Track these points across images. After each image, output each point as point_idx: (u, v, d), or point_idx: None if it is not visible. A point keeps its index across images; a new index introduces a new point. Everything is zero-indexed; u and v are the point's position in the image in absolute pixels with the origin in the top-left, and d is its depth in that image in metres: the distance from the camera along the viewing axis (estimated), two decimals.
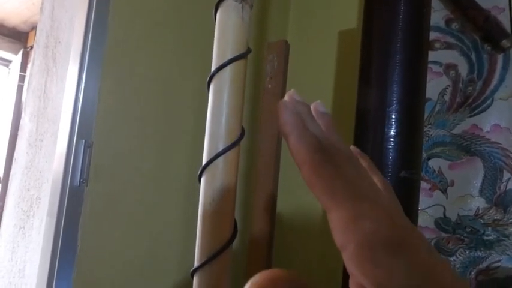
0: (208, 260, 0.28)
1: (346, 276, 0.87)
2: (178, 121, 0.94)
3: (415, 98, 0.82)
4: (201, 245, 0.29)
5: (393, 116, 0.79)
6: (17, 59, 2.65)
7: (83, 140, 0.73)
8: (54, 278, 0.73)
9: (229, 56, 0.30)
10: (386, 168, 0.76)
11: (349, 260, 0.15)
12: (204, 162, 0.30)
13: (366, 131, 0.82)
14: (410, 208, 0.78)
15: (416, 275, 0.14)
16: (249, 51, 0.32)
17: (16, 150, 1.02)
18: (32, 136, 0.94)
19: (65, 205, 0.73)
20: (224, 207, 0.29)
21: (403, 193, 0.76)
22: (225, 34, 0.31)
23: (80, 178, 0.73)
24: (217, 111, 0.30)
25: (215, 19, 0.32)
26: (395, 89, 0.80)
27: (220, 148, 0.29)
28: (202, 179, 0.30)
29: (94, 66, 0.75)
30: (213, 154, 0.29)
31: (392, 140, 0.78)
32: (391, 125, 0.79)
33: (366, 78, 0.85)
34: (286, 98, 0.24)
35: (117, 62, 0.79)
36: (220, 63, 0.30)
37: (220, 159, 0.29)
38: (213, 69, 0.31)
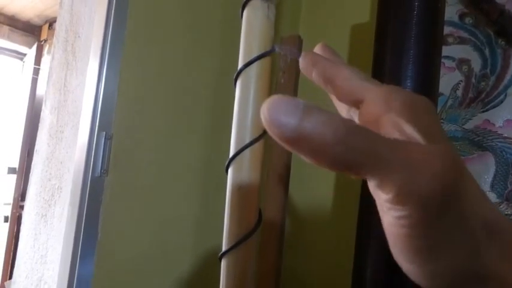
0: (235, 245, 0.30)
1: (356, 267, 0.89)
2: (196, 114, 0.96)
3: (429, 94, 0.82)
4: (228, 231, 0.31)
5: None
6: (31, 52, 2.70)
7: (104, 132, 0.76)
8: (77, 263, 0.77)
9: (255, 54, 0.32)
10: None
11: (396, 113, 0.17)
12: (231, 154, 0.32)
13: None
14: None
15: (444, 133, 0.17)
16: (274, 48, 0.33)
17: (37, 142, 1.05)
18: (52, 128, 0.97)
19: (87, 194, 0.76)
20: (250, 196, 0.31)
21: None
22: (252, 32, 0.33)
23: (101, 169, 0.76)
24: (244, 106, 0.32)
25: (241, 17, 0.33)
26: (409, 84, 0.81)
27: (247, 141, 0.31)
28: (230, 170, 0.32)
29: (114, 60, 0.77)
30: (240, 146, 0.31)
31: None
32: None
33: (379, 73, 0.86)
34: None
35: (136, 56, 0.81)
36: (247, 60, 0.32)
37: (247, 151, 0.31)
38: (240, 65, 0.32)
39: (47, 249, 0.91)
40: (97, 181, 0.76)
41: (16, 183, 2.56)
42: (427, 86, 0.83)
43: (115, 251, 0.78)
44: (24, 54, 2.84)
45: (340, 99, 0.22)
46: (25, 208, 1.03)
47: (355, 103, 0.20)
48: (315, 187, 1.35)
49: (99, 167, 0.76)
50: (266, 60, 0.32)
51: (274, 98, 0.15)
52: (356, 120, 0.21)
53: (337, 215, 1.31)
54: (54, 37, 1.00)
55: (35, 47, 2.61)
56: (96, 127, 0.77)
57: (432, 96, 0.82)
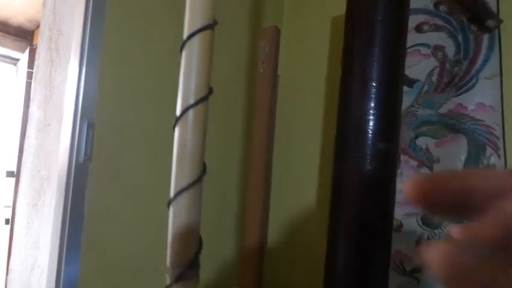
0: (181, 191, 0.34)
1: (328, 268, 0.90)
2: (174, 101, 1.00)
3: (394, 75, 0.87)
4: (175, 181, 0.35)
5: (373, 91, 0.85)
6: (24, 57, 2.74)
7: (86, 122, 0.80)
8: (65, 246, 0.81)
9: (197, 27, 0.36)
10: (366, 139, 0.82)
11: None
12: (177, 114, 0.36)
13: (349, 104, 0.87)
14: (388, 178, 0.83)
15: None
16: (215, 23, 0.38)
17: (26, 136, 1.09)
18: (40, 122, 1.02)
19: (72, 180, 0.81)
20: (195, 151, 0.36)
21: (380, 164, 0.81)
22: (194, 8, 0.37)
23: (84, 156, 0.81)
24: (188, 72, 0.36)
25: None
26: (376, 65, 0.86)
27: (191, 102, 0.36)
28: (176, 128, 0.36)
29: (93, 54, 0.82)
30: (185, 107, 0.36)
31: (371, 112, 0.83)
32: (371, 98, 0.84)
33: (350, 55, 0.91)
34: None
35: (115, 49, 0.86)
36: (190, 32, 0.36)
37: (191, 111, 0.36)
38: (184, 37, 0.37)
39: (39, 235, 0.96)
40: (81, 167, 0.81)
41: (15, 186, 2.61)
42: (393, 67, 0.87)
43: (100, 232, 0.82)
44: (18, 59, 2.88)
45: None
46: (18, 199, 1.08)
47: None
48: (297, 195, 1.39)
49: (83, 153, 0.80)
50: (207, 33, 0.37)
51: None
52: None
53: (320, 220, 1.35)
54: (39, 36, 1.05)
55: (27, 51, 2.65)
56: (79, 117, 0.81)
57: (397, 78, 0.87)
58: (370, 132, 0.83)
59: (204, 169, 0.36)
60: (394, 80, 0.86)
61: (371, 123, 0.83)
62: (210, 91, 0.37)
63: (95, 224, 0.81)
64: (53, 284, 0.83)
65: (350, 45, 0.90)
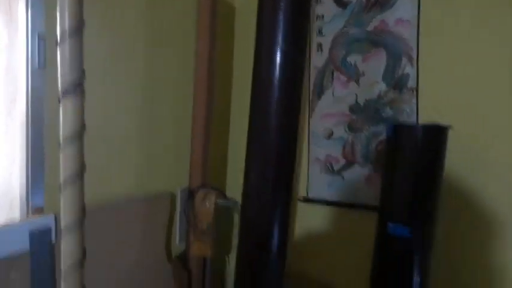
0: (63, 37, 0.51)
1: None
2: (121, 12, 1.14)
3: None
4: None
5: (282, 4, 0.98)
6: None
7: (36, 33, 0.96)
8: (30, 142, 1.01)
9: None
10: (275, 47, 0.97)
11: None
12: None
13: (267, 15, 1.01)
14: (292, 77, 0.99)
15: None
16: None
17: None
18: (6, 46, 1.18)
19: (30, 85, 0.99)
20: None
21: (286, 67, 0.97)
22: None
23: (38, 64, 0.98)
24: None
25: None
26: None
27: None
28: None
29: None
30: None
31: (281, 21, 0.97)
32: (281, 9, 0.98)
33: None
34: None
35: None
36: None
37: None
38: None
39: (15, 138, 1.16)
40: (37, 73, 0.98)
41: None
42: None
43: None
44: None
45: None
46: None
47: None
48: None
49: (37, 61, 0.97)
50: None
51: None
52: None
53: None
54: None
55: None
56: (30, 31, 0.97)
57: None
58: (280, 40, 0.98)
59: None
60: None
61: (281, 32, 0.98)
62: None
63: (54, 123, 1.00)
64: (24, 176, 1.05)
65: None
